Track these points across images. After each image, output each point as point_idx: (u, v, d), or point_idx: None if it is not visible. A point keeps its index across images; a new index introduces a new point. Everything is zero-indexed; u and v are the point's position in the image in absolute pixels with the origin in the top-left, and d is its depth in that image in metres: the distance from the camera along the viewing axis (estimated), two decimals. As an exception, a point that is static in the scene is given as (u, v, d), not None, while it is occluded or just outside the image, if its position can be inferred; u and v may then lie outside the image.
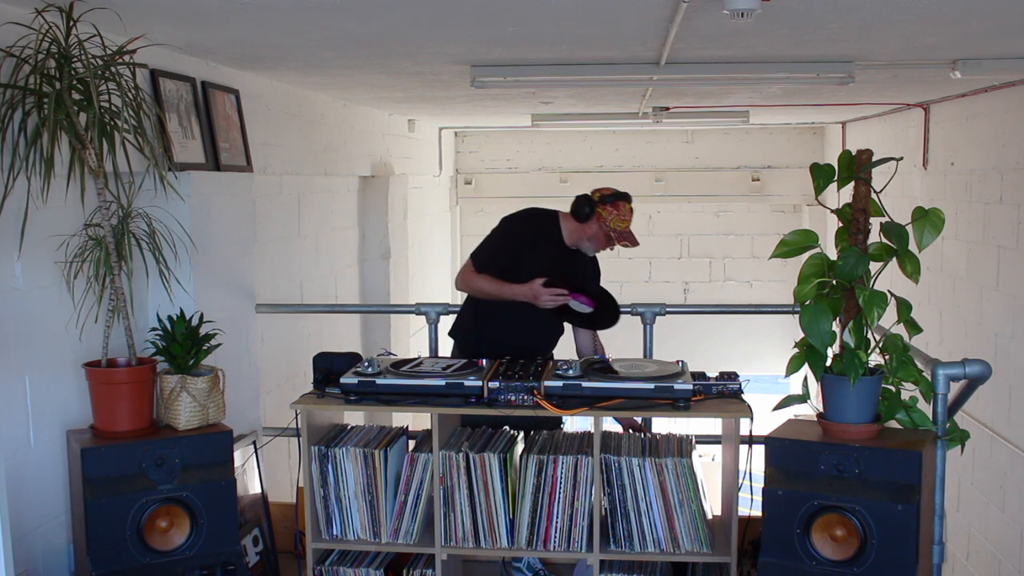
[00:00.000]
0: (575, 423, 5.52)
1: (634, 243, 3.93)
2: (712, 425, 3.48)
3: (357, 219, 7.01)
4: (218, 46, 3.97)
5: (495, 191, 10.24)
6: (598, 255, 4.07)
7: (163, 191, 3.30)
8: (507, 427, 3.43)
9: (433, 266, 9.15)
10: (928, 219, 2.90)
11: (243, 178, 4.38)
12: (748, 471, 3.17)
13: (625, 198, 3.88)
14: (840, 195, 3.09)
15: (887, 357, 2.96)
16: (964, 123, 6.08)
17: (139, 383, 3.19)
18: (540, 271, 3.81)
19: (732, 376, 3.27)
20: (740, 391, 3.24)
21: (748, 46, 4.04)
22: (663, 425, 5.34)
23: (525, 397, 3.09)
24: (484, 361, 3.34)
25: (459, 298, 4.26)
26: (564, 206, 4.00)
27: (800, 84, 5.36)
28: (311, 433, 3.23)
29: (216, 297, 3.95)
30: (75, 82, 2.93)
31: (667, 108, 6.95)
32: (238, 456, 3.62)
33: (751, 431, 3.13)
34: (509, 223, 3.98)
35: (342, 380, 3.20)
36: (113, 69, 3.02)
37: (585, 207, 3.84)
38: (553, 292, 3.73)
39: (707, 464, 5.62)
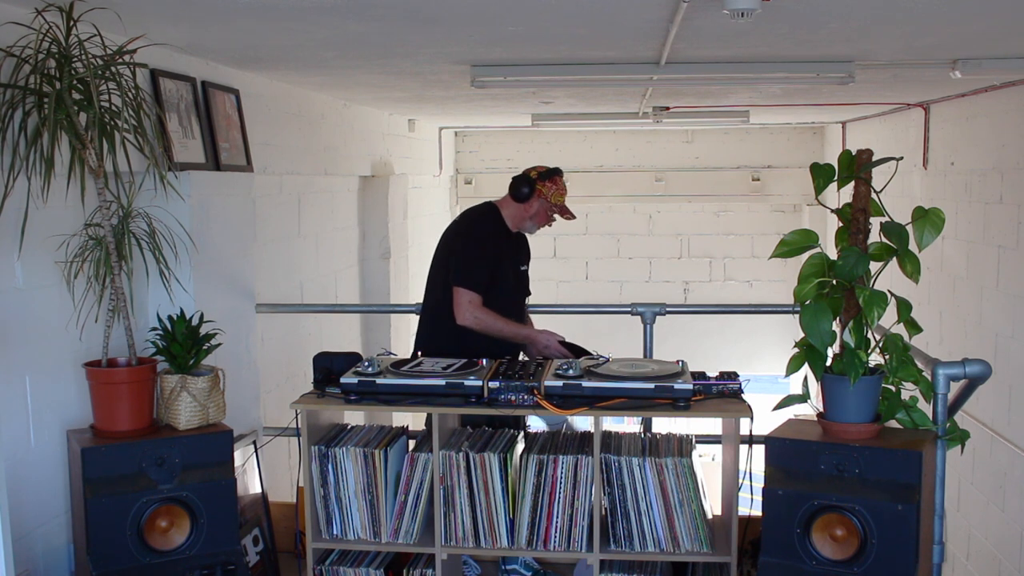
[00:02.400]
0: (575, 423, 5.51)
1: (572, 216, 4.04)
2: (712, 425, 3.48)
3: (357, 219, 7.01)
4: (218, 46, 3.97)
5: (495, 191, 10.17)
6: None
7: (163, 191, 3.30)
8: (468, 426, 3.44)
9: (433, 266, 9.14)
10: (928, 219, 2.90)
11: (243, 178, 4.38)
12: (748, 471, 3.17)
13: (559, 172, 4.00)
14: (840, 195, 3.09)
15: (887, 357, 2.96)
16: (964, 123, 6.08)
17: (139, 383, 3.18)
18: (508, 270, 3.96)
19: (732, 376, 3.27)
20: (740, 391, 3.24)
21: (748, 46, 4.04)
22: (663, 425, 5.33)
23: (525, 397, 3.09)
24: (484, 361, 3.34)
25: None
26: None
27: (800, 84, 5.36)
28: (311, 433, 3.23)
29: (216, 297, 3.95)
30: (75, 82, 2.93)
31: (667, 108, 6.95)
32: (238, 456, 3.61)
33: (751, 431, 3.13)
34: (476, 232, 3.99)
35: (342, 380, 3.19)
36: (113, 69, 3.02)
37: (524, 187, 3.93)
38: (561, 352, 3.83)
39: (707, 464, 5.61)
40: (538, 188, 3.92)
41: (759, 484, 2.98)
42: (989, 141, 5.68)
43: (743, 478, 3.16)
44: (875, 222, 2.97)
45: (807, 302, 2.92)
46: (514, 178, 3.98)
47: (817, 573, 2.87)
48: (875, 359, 2.97)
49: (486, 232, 3.98)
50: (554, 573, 3.65)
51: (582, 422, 3.31)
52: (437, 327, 3.95)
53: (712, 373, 3.32)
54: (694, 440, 3.30)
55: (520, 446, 3.29)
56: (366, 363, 3.25)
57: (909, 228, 2.92)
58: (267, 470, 4.08)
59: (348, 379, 3.19)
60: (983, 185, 5.76)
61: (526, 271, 4.14)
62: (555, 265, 10.42)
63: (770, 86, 5.53)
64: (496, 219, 4.01)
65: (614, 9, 3.23)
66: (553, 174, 3.96)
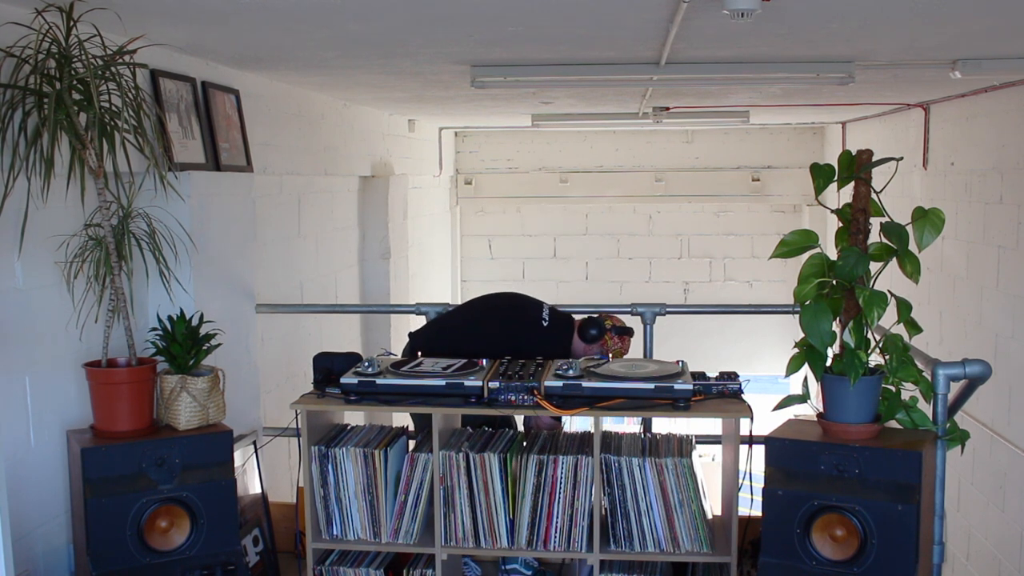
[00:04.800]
0: (575, 423, 5.52)
1: None
2: (712, 425, 3.48)
3: (357, 219, 7.01)
4: (218, 46, 3.97)
5: (495, 191, 10.24)
6: None
7: (163, 191, 3.30)
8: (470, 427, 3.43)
9: (433, 266, 9.15)
10: (928, 219, 2.90)
11: (243, 178, 4.38)
12: (748, 471, 3.17)
13: (631, 333, 4.02)
14: (840, 195, 3.09)
15: (887, 357, 2.96)
16: (964, 123, 6.08)
17: (139, 383, 3.19)
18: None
19: (732, 376, 3.27)
20: (740, 391, 3.24)
21: (748, 46, 4.04)
22: (663, 425, 5.33)
23: (525, 397, 3.09)
24: (484, 361, 3.34)
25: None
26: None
27: (800, 84, 5.36)
28: (311, 433, 3.23)
29: (216, 297, 3.95)
30: (75, 82, 2.93)
31: (667, 108, 6.95)
32: (238, 456, 3.61)
33: (751, 431, 3.12)
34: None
35: (342, 380, 3.20)
36: (113, 69, 3.02)
37: (594, 329, 3.94)
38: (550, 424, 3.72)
39: (707, 464, 5.62)
40: (605, 338, 3.96)
41: (759, 484, 2.98)
42: (989, 141, 5.68)
43: (743, 478, 3.16)
44: (875, 222, 2.97)
45: (807, 302, 2.92)
46: (590, 318, 3.99)
47: (817, 573, 2.87)
48: (875, 359, 2.97)
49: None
50: (554, 573, 3.65)
51: (582, 422, 3.31)
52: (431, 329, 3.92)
53: (712, 373, 3.32)
54: (694, 440, 3.30)
55: (520, 446, 3.29)
56: (366, 363, 3.25)
57: (909, 228, 2.92)
58: (267, 470, 4.08)
59: (348, 379, 3.19)
60: (983, 185, 5.76)
61: None
62: (555, 265, 10.42)
63: (770, 86, 5.53)
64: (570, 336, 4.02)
65: (614, 9, 3.23)
66: (625, 333, 3.99)
